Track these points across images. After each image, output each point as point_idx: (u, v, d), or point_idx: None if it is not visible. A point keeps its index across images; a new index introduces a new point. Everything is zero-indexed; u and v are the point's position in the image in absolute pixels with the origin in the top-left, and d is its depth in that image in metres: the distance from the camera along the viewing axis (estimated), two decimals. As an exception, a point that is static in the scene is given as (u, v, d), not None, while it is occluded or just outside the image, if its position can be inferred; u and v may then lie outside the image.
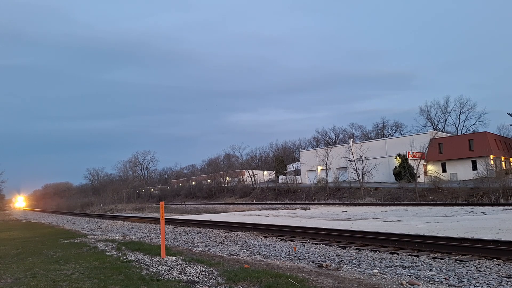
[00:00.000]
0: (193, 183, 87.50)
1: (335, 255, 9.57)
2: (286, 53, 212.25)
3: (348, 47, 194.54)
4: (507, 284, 6.32)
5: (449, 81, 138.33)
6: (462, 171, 48.69)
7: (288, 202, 50.50)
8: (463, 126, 72.85)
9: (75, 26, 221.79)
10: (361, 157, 53.73)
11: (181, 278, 6.79)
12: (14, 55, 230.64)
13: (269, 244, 11.88)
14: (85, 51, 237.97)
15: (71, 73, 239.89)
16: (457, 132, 71.73)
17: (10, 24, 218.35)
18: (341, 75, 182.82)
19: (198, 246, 12.54)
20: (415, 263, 8.15)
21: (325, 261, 8.83)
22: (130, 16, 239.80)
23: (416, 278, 6.86)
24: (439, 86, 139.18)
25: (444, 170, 51.08)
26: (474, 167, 46.85)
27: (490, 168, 42.04)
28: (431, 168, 52.64)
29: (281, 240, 12.92)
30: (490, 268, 7.42)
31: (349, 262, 8.59)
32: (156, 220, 24.04)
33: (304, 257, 9.49)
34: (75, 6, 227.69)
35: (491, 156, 46.99)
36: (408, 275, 7.14)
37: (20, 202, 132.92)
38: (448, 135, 61.42)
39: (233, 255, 10.22)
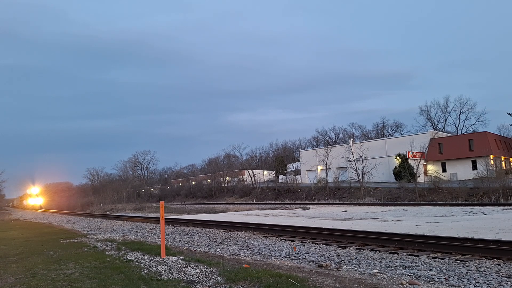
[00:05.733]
0: (193, 183, 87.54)
1: (335, 255, 9.57)
2: (284, 53, 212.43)
3: (347, 47, 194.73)
4: (507, 284, 6.32)
5: (448, 81, 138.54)
6: (462, 171, 48.70)
7: (288, 202, 50.50)
8: (463, 126, 73.01)
9: (73, 26, 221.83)
10: (361, 157, 53.75)
11: (181, 277, 6.78)
12: (12, 54, 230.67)
13: (269, 244, 11.89)
14: (84, 51, 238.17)
15: (70, 73, 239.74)
16: (457, 132, 71.75)
17: (7, 23, 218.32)
18: (340, 74, 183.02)
19: (198, 245, 12.53)
20: (415, 263, 8.15)
21: (325, 261, 8.82)
22: (129, 15, 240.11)
23: (416, 278, 6.86)
24: (439, 85, 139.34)
25: (444, 170, 51.07)
26: (474, 167, 46.85)
27: (490, 168, 42.07)
28: (431, 168, 52.63)
29: (281, 239, 12.92)
30: (490, 268, 7.42)
31: (349, 262, 8.59)
32: (156, 220, 24.04)
33: (304, 257, 9.49)
34: (73, 6, 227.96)
35: (491, 156, 47.00)
36: (408, 275, 7.14)
37: (35, 199, 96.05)
38: (448, 135, 61.42)
39: (233, 254, 10.22)
